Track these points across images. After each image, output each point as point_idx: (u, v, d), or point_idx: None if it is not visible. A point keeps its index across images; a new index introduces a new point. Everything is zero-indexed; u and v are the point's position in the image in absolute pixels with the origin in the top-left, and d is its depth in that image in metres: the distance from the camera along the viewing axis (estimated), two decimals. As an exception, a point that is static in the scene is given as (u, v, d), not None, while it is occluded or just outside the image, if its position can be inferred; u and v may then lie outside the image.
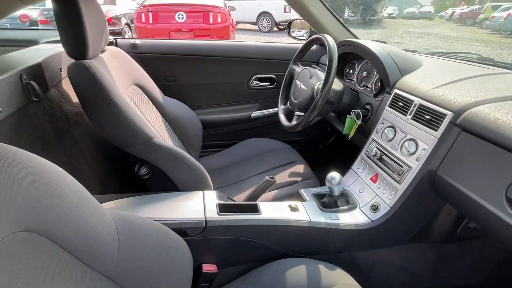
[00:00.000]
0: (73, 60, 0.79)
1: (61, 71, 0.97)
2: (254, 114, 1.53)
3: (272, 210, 0.85)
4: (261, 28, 9.66)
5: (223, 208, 0.82)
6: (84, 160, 0.93)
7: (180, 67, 1.41)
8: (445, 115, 0.75)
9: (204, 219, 0.78)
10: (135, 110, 0.88)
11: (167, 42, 1.42)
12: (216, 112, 1.52)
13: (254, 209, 0.84)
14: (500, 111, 0.66)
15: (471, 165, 0.68)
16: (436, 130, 0.77)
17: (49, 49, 1.03)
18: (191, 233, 0.77)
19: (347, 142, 1.51)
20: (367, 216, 0.88)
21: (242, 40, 7.74)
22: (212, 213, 0.80)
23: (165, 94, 1.23)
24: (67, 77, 1.00)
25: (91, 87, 0.76)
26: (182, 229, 0.76)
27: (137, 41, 1.34)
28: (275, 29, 9.84)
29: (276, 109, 1.55)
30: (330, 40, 1.00)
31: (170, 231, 0.68)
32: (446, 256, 0.97)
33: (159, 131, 1.05)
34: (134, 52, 1.31)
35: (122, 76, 0.96)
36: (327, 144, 1.72)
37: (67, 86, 0.97)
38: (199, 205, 0.83)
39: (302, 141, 1.69)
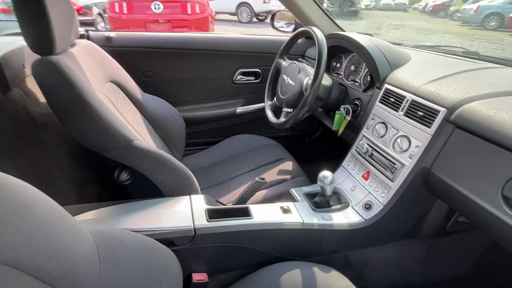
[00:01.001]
0: (37, 56, 0.70)
1: (24, 68, 0.87)
2: (239, 110, 1.48)
3: (264, 213, 0.81)
4: (240, 19, 9.48)
5: (212, 214, 0.78)
6: (56, 166, 0.85)
7: (159, 61, 1.32)
8: (439, 111, 0.74)
9: (192, 227, 0.73)
10: (112, 110, 0.80)
11: (145, 34, 1.32)
12: (200, 109, 1.45)
13: (245, 213, 0.80)
14: (494, 108, 0.66)
15: (466, 163, 0.67)
16: (429, 127, 0.76)
17: (9, 43, 0.92)
18: (179, 242, 0.72)
19: (334, 137, 1.50)
20: (360, 215, 0.86)
21: (222, 31, 7.58)
22: (201, 220, 0.75)
23: (144, 91, 1.15)
24: (31, 75, 0.90)
25: (61, 87, 0.68)
26: (169, 239, 0.71)
27: (112, 34, 1.24)
28: (255, 19, 9.70)
29: (262, 104, 1.50)
30: (318, 34, 0.96)
31: (157, 244, 0.63)
32: (436, 250, 0.98)
33: (139, 132, 0.98)
34: (109, 45, 1.21)
35: (96, 72, 0.88)
36: (313, 139, 1.70)
37: (32, 85, 0.87)
38: (186, 212, 0.77)
39: (288, 136, 1.66)
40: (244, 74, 1.45)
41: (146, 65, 1.31)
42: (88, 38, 1.20)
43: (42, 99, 0.88)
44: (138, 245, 0.60)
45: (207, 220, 0.75)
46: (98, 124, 0.71)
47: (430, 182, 0.76)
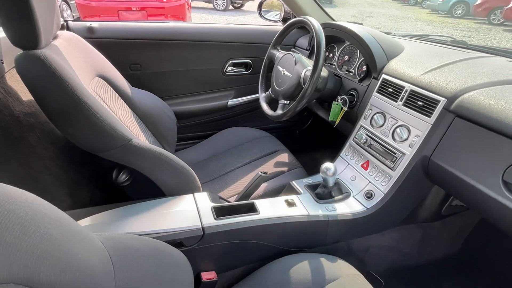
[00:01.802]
0: (17, 49, 0.63)
1: (2, 64, 0.79)
2: (231, 102, 1.44)
3: (270, 208, 0.81)
4: (216, 6, 9.23)
5: (219, 212, 0.76)
6: (46, 169, 0.78)
7: (146, 53, 1.25)
8: (438, 101, 0.76)
9: (200, 226, 0.71)
10: (106, 107, 0.75)
11: (131, 25, 1.24)
12: (190, 102, 1.40)
13: (251, 208, 0.79)
14: (493, 97, 0.68)
15: (466, 150, 0.70)
16: (429, 117, 0.77)
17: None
18: (187, 243, 0.70)
19: (324, 127, 1.51)
20: (362, 204, 0.88)
21: (198, 20, 7.34)
22: (209, 219, 0.74)
23: (132, 85, 1.09)
24: (11, 71, 0.82)
25: (51, 85, 0.62)
26: (178, 240, 0.69)
27: (94, 24, 1.15)
28: (231, 7, 9.48)
29: (253, 96, 1.48)
30: (316, 24, 0.94)
31: (167, 247, 0.61)
32: (429, 233, 1.02)
33: (131, 129, 0.93)
34: (91, 37, 1.13)
35: (83, 67, 0.81)
36: (304, 129, 1.71)
37: (13, 82, 0.80)
38: (192, 211, 0.75)
39: (280, 127, 1.65)
40: (234, 65, 1.41)
41: (133, 57, 1.23)
42: (68, 28, 1.11)
43: (24, 97, 0.81)
44: (150, 250, 0.58)
45: (215, 219, 0.74)
46: (95, 124, 0.66)
47: (429, 169, 0.79)
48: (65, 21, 1.10)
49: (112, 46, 1.17)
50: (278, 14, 1.52)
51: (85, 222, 0.67)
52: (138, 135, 0.94)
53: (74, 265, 0.39)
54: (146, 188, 0.81)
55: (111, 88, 0.95)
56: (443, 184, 0.80)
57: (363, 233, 0.91)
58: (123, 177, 0.78)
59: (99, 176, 0.86)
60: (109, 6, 4.17)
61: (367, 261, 0.97)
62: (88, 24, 1.14)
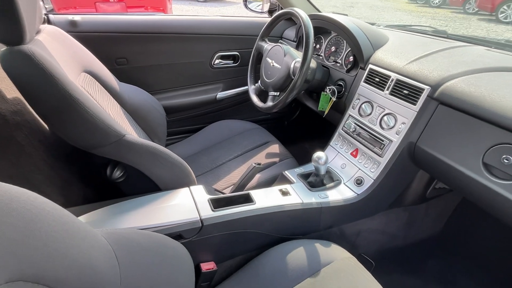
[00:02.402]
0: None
1: None
2: (220, 95, 1.44)
3: (265, 198, 0.83)
4: (196, -3, 9.03)
5: (216, 203, 0.77)
6: (37, 168, 0.77)
7: (132, 47, 1.22)
8: (423, 89, 0.79)
9: (199, 218, 0.72)
10: (97, 104, 0.74)
11: (116, 18, 1.21)
12: (179, 96, 1.39)
13: (247, 199, 0.81)
14: (473, 84, 0.72)
15: (449, 136, 0.74)
16: (414, 104, 0.81)
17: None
18: (187, 235, 0.71)
19: (312, 117, 1.54)
20: (353, 191, 0.91)
21: (179, 11, 7.16)
22: (206, 211, 0.75)
23: (119, 80, 1.07)
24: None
25: (41, 82, 0.60)
26: (177, 233, 0.70)
27: (76, 17, 1.11)
28: (212, -2, 9.30)
29: (242, 88, 1.48)
30: (304, 15, 0.95)
31: (168, 240, 0.62)
32: (415, 215, 1.08)
33: (122, 124, 0.92)
34: (74, 31, 1.09)
35: (69, 62, 0.79)
36: (292, 119, 1.73)
37: (-5, 79, 0.77)
38: (190, 204, 0.76)
39: (268, 119, 1.67)
40: (222, 57, 1.41)
41: (118, 51, 1.20)
42: (49, 22, 1.06)
43: (9, 95, 0.78)
44: (152, 243, 0.59)
45: (212, 210, 0.75)
46: (87, 120, 0.65)
47: (415, 155, 0.83)
48: (46, 14, 1.05)
49: (96, 40, 1.14)
50: (260, 4, 1.52)
51: (82, 219, 0.67)
52: (128, 130, 0.93)
53: (80, 261, 0.40)
54: (141, 183, 0.81)
55: (99, 84, 0.93)
56: (428, 168, 0.84)
57: (354, 218, 0.95)
58: (117, 173, 0.78)
59: (92, 173, 0.85)
60: (85, -3, 4.00)
61: (358, 244, 1.01)
62: (70, 17, 1.10)
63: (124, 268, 0.48)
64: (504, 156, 0.63)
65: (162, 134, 1.19)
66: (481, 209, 0.74)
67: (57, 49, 0.76)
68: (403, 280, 1.07)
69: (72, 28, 1.10)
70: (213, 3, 9.03)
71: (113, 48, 1.19)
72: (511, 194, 0.62)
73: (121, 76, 1.13)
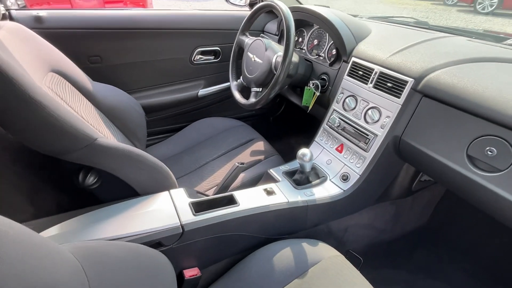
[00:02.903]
0: None
1: None
2: (201, 92, 1.40)
3: (249, 198, 0.80)
4: (178, -9, 8.81)
5: (198, 207, 0.74)
6: (1, 177, 0.71)
7: (106, 44, 1.16)
8: (407, 82, 0.78)
9: (179, 223, 0.69)
10: (64, 105, 0.69)
11: (86, 13, 1.13)
12: (158, 94, 1.33)
13: (231, 201, 0.78)
14: (456, 76, 0.71)
15: (434, 128, 0.73)
16: (398, 97, 0.80)
17: None
18: (167, 242, 0.68)
19: (297, 112, 1.52)
20: (339, 187, 0.90)
21: (160, 6, 6.98)
22: (187, 215, 0.71)
23: (93, 79, 1.01)
24: None
25: None
26: (156, 240, 0.66)
27: (42, 13, 1.03)
28: (194, -9, 9.10)
29: (224, 84, 1.44)
30: (284, 8, 0.92)
31: (145, 249, 0.58)
32: (401, 208, 1.08)
33: (96, 127, 0.87)
34: (40, 27, 1.02)
35: (33, 62, 0.73)
36: (277, 115, 1.71)
37: None
38: (169, 209, 0.72)
39: (253, 115, 1.63)
40: (203, 53, 1.36)
41: (91, 49, 1.14)
42: (11, 18, 0.99)
43: (-34, 98, 0.72)
44: (126, 255, 0.55)
45: (194, 214, 0.72)
46: (53, 125, 0.60)
47: (400, 148, 0.82)
48: (7, 10, 0.98)
49: (65, 37, 1.07)
50: None
51: (52, 231, 0.62)
52: (104, 133, 0.88)
53: (43, 282, 0.36)
54: (118, 189, 0.76)
55: (69, 84, 0.87)
56: (413, 162, 0.83)
57: (341, 215, 0.94)
58: (90, 179, 0.73)
59: (64, 180, 0.80)
60: (59, -8, 3.82)
61: (346, 241, 1.00)
62: (35, 13, 1.02)
63: (95, 283, 0.45)
64: (488, 148, 0.62)
65: (141, 135, 1.14)
66: (464, 200, 0.74)
67: (18, 47, 0.70)
68: (391, 274, 1.07)
69: (38, 25, 1.03)
70: (196, -3, 8.85)
71: (85, 46, 1.12)
72: (495, 186, 0.62)
73: (95, 75, 1.07)
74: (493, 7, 7.36)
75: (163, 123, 1.41)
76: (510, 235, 1.04)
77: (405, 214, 1.11)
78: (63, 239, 0.60)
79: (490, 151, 0.62)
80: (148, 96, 1.31)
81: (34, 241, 0.38)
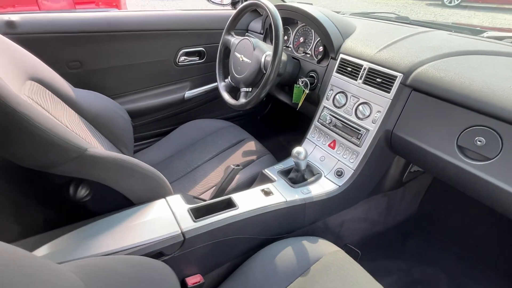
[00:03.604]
0: None
1: None
2: (188, 94, 1.37)
3: (248, 200, 0.79)
4: (151, -10, 8.58)
5: (197, 213, 0.72)
6: (-18, 196, 0.66)
7: (86, 48, 1.10)
8: (396, 76, 0.80)
9: (180, 231, 0.67)
10: (49, 116, 0.65)
11: (63, 16, 1.07)
12: (143, 98, 1.29)
13: (230, 204, 0.77)
14: (442, 69, 0.73)
15: (424, 121, 0.75)
16: (388, 92, 0.81)
17: None
18: (168, 251, 0.66)
19: (284, 110, 1.52)
20: (334, 183, 0.91)
21: (133, 6, 6.77)
22: (187, 222, 0.70)
23: (73, 86, 0.96)
24: None
25: None
26: (158, 250, 0.64)
27: (14, 17, 0.97)
28: (168, -9, 8.90)
29: (211, 85, 1.42)
30: (271, 7, 0.92)
31: (147, 261, 0.56)
32: (393, 199, 1.11)
33: (82, 136, 0.83)
34: (12, 33, 0.95)
35: (9, 70, 0.68)
36: (265, 114, 1.70)
37: None
38: (168, 217, 0.70)
39: (241, 115, 1.62)
40: (187, 54, 1.33)
41: (69, 54, 1.08)
42: (-20, 24, 0.92)
43: None
44: (129, 269, 0.53)
45: (194, 221, 0.70)
46: (40, 137, 0.56)
47: (392, 142, 0.84)
48: (-25, 15, 0.91)
49: (41, 42, 1.01)
50: None
51: (44, 250, 0.59)
52: (90, 142, 0.84)
53: None
54: (111, 200, 0.73)
55: (49, 92, 0.82)
56: (405, 154, 0.85)
57: (338, 210, 0.95)
58: (82, 192, 0.69)
59: (52, 195, 0.75)
60: (24, -6, 3.61)
61: (342, 235, 1.02)
62: (6, 17, 0.96)
63: (101, 303, 0.43)
64: (477, 138, 0.65)
65: (128, 141, 1.10)
66: (451, 186, 0.77)
67: None
68: (387, 264, 1.10)
69: (10, 30, 0.96)
70: (170, -4, 8.66)
71: (63, 51, 1.07)
72: (485, 174, 0.64)
73: (75, 81, 1.02)
74: (459, 0, 7.72)
75: (150, 127, 1.37)
76: (496, 218, 1.09)
77: (396, 205, 1.14)
78: (59, 257, 0.57)
79: (479, 141, 0.65)
80: (133, 101, 1.26)
81: (32, 263, 0.36)
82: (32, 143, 0.57)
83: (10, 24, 0.96)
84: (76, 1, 3.82)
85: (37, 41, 1.01)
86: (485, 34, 0.97)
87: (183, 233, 0.67)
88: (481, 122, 0.65)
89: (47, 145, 0.58)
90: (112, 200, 0.73)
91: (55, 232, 0.63)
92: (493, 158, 0.63)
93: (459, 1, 7.71)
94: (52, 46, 1.04)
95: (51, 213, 0.78)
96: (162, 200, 0.75)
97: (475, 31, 1.01)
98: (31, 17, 1.01)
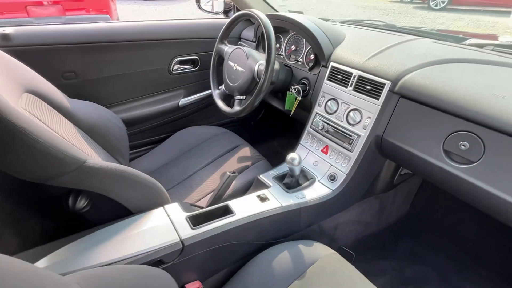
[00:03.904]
0: None
1: None
2: (182, 101, 1.38)
3: (244, 207, 0.81)
4: (142, -5, 8.58)
5: (195, 220, 0.74)
6: (-19, 209, 0.67)
7: (81, 59, 1.11)
8: (384, 84, 0.83)
9: (179, 239, 0.69)
10: (47, 128, 0.66)
11: (57, 28, 1.08)
12: (138, 107, 1.30)
13: (227, 211, 0.79)
14: (428, 77, 0.77)
15: (412, 127, 0.79)
16: (378, 99, 0.85)
17: None
18: (167, 259, 0.67)
19: (277, 116, 1.55)
20: (328, 187, 0.93)
21: (125, 12, 6.75)
22: (186, 230, 0.71)
23: (69, 96, 0.97)
24: None
25: None
26: (157, 258, 0.65)
27: (9, 30, 0.97)
28: (159, -4, 8.91)
29: (205, 93, 1.44)
30: (263, 17, 0.94)
31: (148, 269, 0.58)
32: (385, 201, 1.14)
33: (79, 147, 0.83)
34: (7, 45, 0.96)
35: (5, 83, 0.69)
36: (258, 120, 1.73)
37: None
38: (167, 225, 0.72)
39: (235, 121, 1.64)
40: (181, 62, 1.34)
41: (64, 65, 1.09)
42: (-26, 37, 0.92)
43: None
44: (132, 278, 0.54)
45: (192, 228, 0.72)
46: (39, 150, 0.57)
47: (382, 147, 0.87)
48: (-31, 28, 0.91)
49: (36, 54, 1.02)
50: (209, 1, 1.47)
51: (46, 262, 0.60)
52: (87, 152, 0.85)
53: None
54: (110, 210, 0.74)
55: (46, 104, 0.83)
56: (395, 158, 0.89)
57: (332, 213, 0.98)
58: (81, 203, 0.70)
59: (51, 206, 0.76)
60: (12, 1, 3.57)
61: (337, 238, 1.04)
62: (1, 30, 0.96)
63: (106, 313, 0.44)
64: (461, 142, 0.69)
65: (124, 150, 1.11)
66: (439, 188, 0.80)
67: None
68: (380, 265, 1.13)
69: (5, 43, 0.97)
70: (160, 1, 8.66)
71: (58, 62, 1.07)
72: (469, 176, 0.68)
73: (71, 91, 1.02)
74: (445, 3, 7.93)
75: (145, 135, 1.38)
76: (484, 217, 1.13)
77: (388, 207, 1.18)
78: (61, 268, 0.58)
79: (463, 145, 0.68)
80: (127, 109, 1.27)
81: (36, 275, 0.37)
82: (31, 156, 0.57)
83: (4, 36, 0.97)
84: (66, 8, 3.79)
85: (31, 53, 1.01)
86: (467, 42, 1.01)
87: (182, 241, 0.68)
88: (464, 128, 0.68)
89: (46, 158, 0.59)
90: (111, 210, 0.74)
91: (55, 244, 0.64)
92: (476, 162, 0.67)
93: (444, 4, 7.92)
94: (47, 57, 1.05)
95: (50, 225, 0.79)
96: (160, 209, 0.77)
97: (458, 38, 1.06)
98: (26, 30, 1.02)
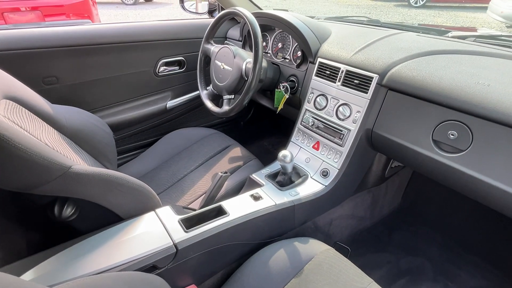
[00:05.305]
0: None
1: None
2: (170, 104, 1.36)
3: (238, 207, 0.80)
4: (124, 0, 8.46)
5: (188, 223, 0.72)
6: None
7: (62, 63, 1.07)
8: (372, 77, 0.84)
9: (172, 243, 0.67)
10: (28, 135, 0.63)
11: (35, 31, 1.04)
12: (125, 111, 1.27)
13: (220, 211, 0.78)
14: (414, 69, 0.78)
15: (401, 118, 0.79)
16: (366, 93, 0.85)
17: None
18: (161, 264, 0.65)
19: (266, 114, 1.55)
20: (320, 183, 0.93)
21: (106, 16, 6.63)
22: (179, 233, 0.69)
23: (51, 102, 0.93)
24: None
25: None
26: (151, 264, 0.63)
27: (-17, 34, 0.93)
28: (141, 0, 8.81)
29: (193, 94, 1.42)
30: (248, 15, 0.94)
31: (141, 275, 0.56)
32: (377, 195, 1.15)
33: (64, 153, 0.80)
34: (-19, 50, 0.92)
35: None
36: (248, 119, 1.72)
37: None
38: (159, 229, 0.70)
39: (224, 121, 1.63)
40: (167, 64, 1.32)
41: (44, 69, 1.05)
42: None
43: None
44: (124, 286, 0.52)
45: (185, 231, 0.70)
46: (21, 158, 0.55)
47: (373, 140, 0.87)
48: None
49: (14, 59, 0.98)
50: (193, 4, 1.46)
51: (31, 274, 0.57)
52: (73, 159, 0.82)
53: None
54: (99, 216, 0.72)
55: (26, 110, 0.79)
56: (385, 151, 0.89)
57: (326, 209, 0.97)
58: (68, 211, 0.67)
59: (35, 216, 0.73)
60: (-12, 8, 3.45)
61: (332, 233, 1.04)
62: (-26, 35, 0.92)
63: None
64: (450, 131, 0.69)
65: (112, 155, 1.08)
66: (430, 179, 0.81)
67: None
68: (375, 258, 1.14)
69: None
70: (143, 5, 8.56)
71: (37, 67, 1.03)
72: (459, 165, 0.69)
73: (53, 97, 0.99)
74: (424, 1, 8.13)
75: (133, 139, 1.34)
76: (473, 206, 1.16)
77: (381, 200, 1.19)
78: (49, 280, 0.55)
79: (452, 135, 0.69)
80: (113, 114, 1.24)
81: (24, 288, 0.35)
82: (12, 164, 0.55)
83: (-22, 42, 0.92)
84: (45, 14, 3.69)
85: (9, 58, 0.97)
86: (449, 34, 1.03)
87: (175, 245, 0.67)
88: (452, 117, 0.69)
89: (29, 166, 0.56)
90: (100, 216, 0.72)
91: (41, 255, 0.61)
92: (465, 150, 0.68)
93: (424, 1, 8.12)
94: (26, 62, 1.01)
95: (35, 236, 0.75)
96: (151, 213, 0.75)
97: (441, 31, 1.08)
98: (2, 34, 0.98)
